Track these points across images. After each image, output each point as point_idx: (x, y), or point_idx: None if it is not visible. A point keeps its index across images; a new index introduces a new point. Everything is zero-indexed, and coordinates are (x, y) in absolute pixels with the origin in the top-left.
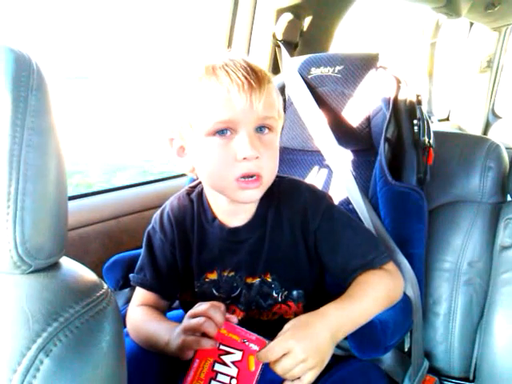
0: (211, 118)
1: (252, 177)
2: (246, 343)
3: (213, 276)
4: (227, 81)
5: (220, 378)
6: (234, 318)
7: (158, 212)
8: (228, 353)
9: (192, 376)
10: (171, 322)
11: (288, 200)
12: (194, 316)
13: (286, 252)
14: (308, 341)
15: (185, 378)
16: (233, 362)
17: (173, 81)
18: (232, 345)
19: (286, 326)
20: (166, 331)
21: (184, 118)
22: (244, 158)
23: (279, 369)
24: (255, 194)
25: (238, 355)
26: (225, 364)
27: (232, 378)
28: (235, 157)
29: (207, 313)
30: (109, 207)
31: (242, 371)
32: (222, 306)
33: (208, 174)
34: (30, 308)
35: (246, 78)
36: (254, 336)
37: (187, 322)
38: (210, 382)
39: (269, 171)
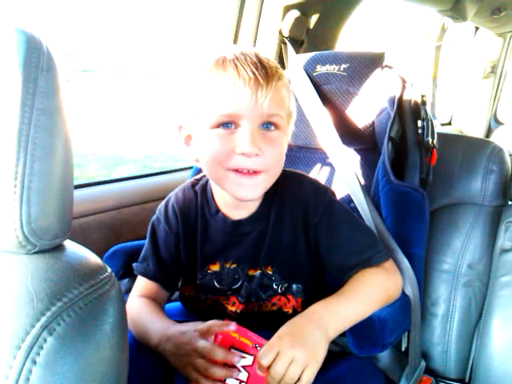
0: (215, 111)
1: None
2: (258, 348)
3: (215, 268)
4: (234, 74)
5: (230, 382)
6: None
7: (163, 203)
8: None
9: None
10: (166, 320)
11: (291, 194)
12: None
13: (286, 246)
14: (294, 338)
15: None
16: (243, 367)
17: (185, 71)
18: (243, 349)
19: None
20: (158, 330)
21: (191, 109)
22: (242, 154)
23: (274, 374)
24: (252, 193)
25: (248, 360)
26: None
27: (242, 382)
28: (234, 149)
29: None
30: (110, 198)
31: (252, 376)
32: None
33: (206, 162)
34: (34, 287)
35: (253, 73)
36: (264, 341)
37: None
38: None
39: (271, 169)
